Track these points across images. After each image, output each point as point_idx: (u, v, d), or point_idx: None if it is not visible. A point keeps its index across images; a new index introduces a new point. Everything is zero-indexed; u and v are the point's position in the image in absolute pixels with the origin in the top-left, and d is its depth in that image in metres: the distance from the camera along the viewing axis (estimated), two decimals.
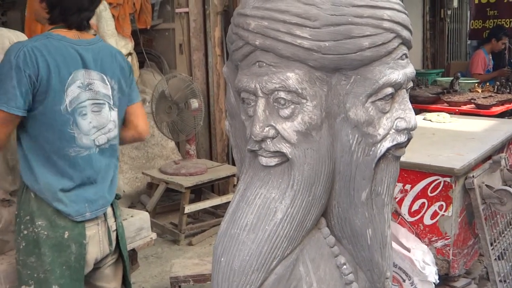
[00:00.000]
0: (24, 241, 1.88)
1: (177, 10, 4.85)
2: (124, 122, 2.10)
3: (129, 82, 2.05)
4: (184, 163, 4.19)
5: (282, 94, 1.09)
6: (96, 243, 1.99)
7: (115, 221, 2.07)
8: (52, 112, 1.80)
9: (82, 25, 1.92)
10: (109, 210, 2.03)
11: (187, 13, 4.78)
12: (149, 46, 5.21)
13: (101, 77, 1.92)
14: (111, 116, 1.96)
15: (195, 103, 4.10)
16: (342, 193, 1.18)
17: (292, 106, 1.10)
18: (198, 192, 4.41)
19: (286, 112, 1.10)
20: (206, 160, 4.56)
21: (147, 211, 3.46)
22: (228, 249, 1.16)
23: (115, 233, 2.07)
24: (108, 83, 1.93)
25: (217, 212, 4.37)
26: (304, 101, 1.10)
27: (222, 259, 1.16)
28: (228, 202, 4.11)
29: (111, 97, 1.95)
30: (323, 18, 1.06)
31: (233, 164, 4.65)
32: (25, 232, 1.88)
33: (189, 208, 3.96)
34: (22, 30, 3.16)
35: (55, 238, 1.87)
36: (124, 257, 2.13)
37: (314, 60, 1.08)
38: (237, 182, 4.29)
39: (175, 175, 4.06)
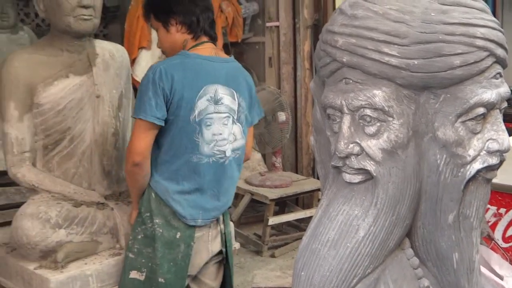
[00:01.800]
0: (142, 233, 2.12)
1: (268, 24, 4.92)
2: None
3: (253, 103, 2.23)
4: (269, 175, 4.23)
5: (368, 112, 1.08)
6: (204, 245, 2.19)
7: (224, 226, 2.26)
8: (182, 121, 2.02)
9: (214, 33, 2.16)
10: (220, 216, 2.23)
11: (277, 27, 4.84)
12: (239, 59, 5.30)
13: (231, 92, 2.10)
14: (234, 129, 2.13)
15: (282, 116, 4.13)
16: (428, 214, 1.15)
17: (378, 124, 1.09)
18: (282, 205, 4.43)
19: (371, 129, 1.09)
20: (292, 173, 4.58)
21: (231, 220, 3.52)
22: (308, 264, 1.16)
23: (223, 236, 2.26)
24: (236, 99, 2.12)
25: (301, 225, 4.36)
26: (391, 119, 1.09)
27: (302, 273, 1.17)
28: (312, 216, 4.11)
29: (236, 112, 2.12)
30: (413, 35, 1.05)
31: (318, 178, 4.62)
32: (144, 226, 2.12)
33: (273, 220, 3.99)
34: (122, 43, 3.34)
35: (168, 236, 2.09)
36: (230, 264, 2.26)
37: (402, 78, 1.06)
38: (321, 197, 4.27)
39: (260, 187, 4.11)
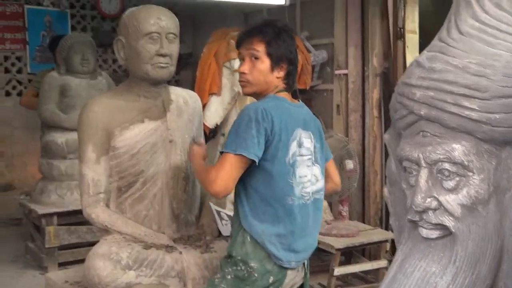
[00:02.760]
0: (233, 273, 2.12)
1: (337, 72, 4.94)
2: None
3: (323, 144, 2.29)
4: (335, 224, 4.17)
5: (446, 166, 1.06)
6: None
7: (307, 272, 2.30)
8: (279, 163, 2.07)
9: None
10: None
11: (346, 74, 4.86)
12: (307, 106, 5.34)
13: (309, 135, 2.16)
14: (314, 170, 2.18)
15: (350, 164, 4.09)
16: (511, 274, 1.10)
17: (457, 179, 1.06)
18: (348, 255, 4.33)
19: (450, 184, 1.07)
20: (358, 223, 4.49)
21: None
22: None
23: (306, 281, 2.31)
24: (312, 141, 2.18)
25: (367, 277, 4.24)
26: (470, 174, 1.06)
27: None
28: (379, 269, 4.01)
29: (313, 153, 2.18)
30: (494, 89, 1.03)
31: (386, 228, 4.51)
32: (235, 267, 2.12)
33: (338, 271, 3.90)
34: (192, 89, 3.44)
35: (261, 280, 2.10)
36: None
37: (482, 132, 1.04)
38: (389, 248, 4.16)
39: (326, 235, 4.04)
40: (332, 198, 4.20)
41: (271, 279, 2.11)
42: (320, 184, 2.23)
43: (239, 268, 2.12)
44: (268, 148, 2.05)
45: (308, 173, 2.15)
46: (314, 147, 2.19)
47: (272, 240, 2.10)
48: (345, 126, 4.88)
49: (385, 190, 1.35)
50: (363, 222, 4.66)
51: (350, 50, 4.80)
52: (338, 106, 4.95)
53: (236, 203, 2.20)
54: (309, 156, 2.16)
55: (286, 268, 2.15)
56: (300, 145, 2.12)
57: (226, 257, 2.19)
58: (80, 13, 6.67)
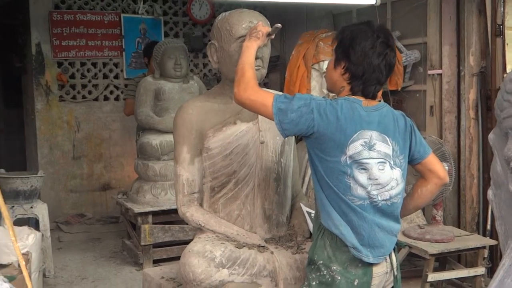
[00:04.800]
0: (318, 279, 2.11)
1: (430, 72, 4.79)
2: (422, 176, 2.26)
3: (414, 140, 2.19)
4: (429, 229, 4.03)
5: None
6: None
7: (396, 270, 2.21)
8: (332, 161, 2.03)
9: (375, 96, 2.14)
10: (393, 260, 2.18)
11: (440, 74, 4.69)
12: (399, 107, 5.22)
13: (383, 138, 2.08)
14: (394, 174, 2.09)
15: (445, 167, 3.94)
16: None
17: None
18: (442, 261, 4.18)
19: None
20: (453, 228, 4.32)
21: None
22: None
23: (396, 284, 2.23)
24: (390, 144, 2.09)
25: (463, 284, 4.07)
26: None
27: None
28: (476, 276, 3.83)
29: (392, 157, 2.09)
30: None
31: (484, 234, 4.31)
32: (319, 273, 2.10)
33: (432, 277, 3.77)
34: (281, 91, 3.46)
35: (346, 284, 2.06)
36: None
37: None
38: (487, 255, 3.96)
39: (419, 240, 3.92)
40: (437, 198, 4.03)
41: (356, 282, 2.07)
42: (400, 187, 2.13)
43: (322, 273, 2.09)
44: (320, 144, 2.04)
45: (382, 177, 2.06)
46: (392, 150, 2.09)
47: (348, 232, 2.05)
48: (439, 127, 4.72)
49: (490, 192, 1.28)
50: (459, 227, 4.48)
51: (444, 49, 4.64)
52: (431, 107, 4.79)
53: (315, 202, 2.20)
54: (381, 160, 2.06)
55: (369, 266, 2.08)
56: (369, 147, 2.04)
57: (309, 263, 2.17)
58: (173, 20, 6.90)
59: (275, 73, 7.04)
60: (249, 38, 2.36)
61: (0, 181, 4.31)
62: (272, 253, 2.45)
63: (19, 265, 3.18)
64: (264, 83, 6.82)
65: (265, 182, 2.58)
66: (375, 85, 2.12)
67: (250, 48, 2.31)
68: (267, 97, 2.09)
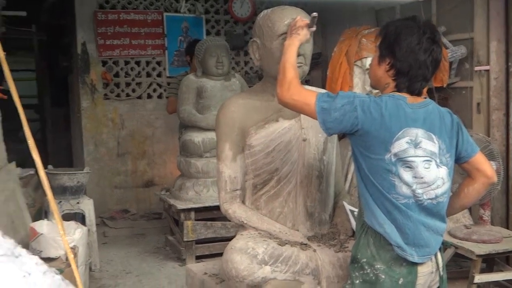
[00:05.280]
0: (361, 277, 2.09)
1: (477, 68, 4.67)
2: (469, 175, 2.21)
3: (461, 138, 2.14)
4: (476, 229, 3.93)
5: None
6: None
7: (442, 270, 2.16)
8: (376, 159, 2.01)
9: (420, 93, 2.10)
10: (439, 260, 2.14)
11: (487, 71, 4.57)
12: (444, 105, 5.11)
13: (429, 136, 2.04)
14: (440, 173, 2.05)
15: (493, 166, 3.83)
16: None
17: None
18: (490, 262, 4.06)
19: None
20: (502, 228, 4.20)
21: None
22: None
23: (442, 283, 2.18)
24: (436, 142, 2.05)
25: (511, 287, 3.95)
26: None
27: None
28: None
29: (438, 155, 2.05)
30: None
31: None
32: (362, 271, 2.08)
33: (479, 278, 3.68)
34: (323, 88, 3.44)
35: (390, 282, 2.03)
36: None
37: None
38: None
39: (465, 240, 3.83)
40: (485, 198, 3.92)
41: (400, 281, 2.03)
42: (447, 186, 2.09)
43: (365, 271, 2.07)
44: (364, 142, 2.02)
45: (428, 175, 2.02)
46: (439, 148, 2.05)
47: (392, 231, 2.02)
48: (486, 125, 4.59)
49: None
50: (507, 228, 4.36)
51: (492, 44, 4.51)
52: (478, 104, 4.67)
53: (358, 200, 2.18)
54: (427, 158, 2.02)
55: (414, 265, 2.04)
56: (415, 145, 2.00)
57: (352, 261, 2.14)
58: (214, 18, 6.94)
59: (317, 71, 6.99)
60: (289, 36, 2.35)
61: (48, 177, 4.43)
62: (314, 251, 2.43)
63: (66, 259, 3.26)
64: (306, 81, 6.78)
65: (308, 180, 2.56)
66: (421, 82, 2.08)
67: (292, 46, 2.30)
68: (310, 96, 2.08)
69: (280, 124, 2.55)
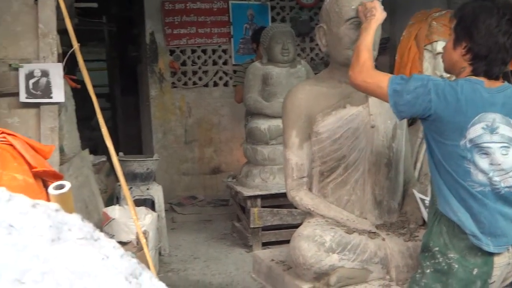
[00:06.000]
0: (432, 267, 2.03)
1: None
2: None
3: None
4: None
5: None
6: (498, 282, 2.04)
7: None
8: (451, 145, 1.95)
9: (498, 77, 2.02)
10: None
11: None
12: None
13: (508, 121, 1.96)
14: None
15: None
16: None
17: None
18: None
19: None
20: None
21: None
22: None
23: None
24: None
25: None
26: None
27: None
28: None
29: None
30: None
31: None
32: (434, 261, 2.03)
33: None
34: (391, 73, 3.36)
35: (464, 272, 1.97)
36: None
37: None
38: None
39: None
40: None
41: (475, 271, 1.96)
42: None
43: (437, 260, 2.01)
44: (437, 127, 1.95)
45: (504, 161, 1.93)
46: None
47: (467, 219, 1.95)
48: None
49: None
50: None
51: None
52: None
53: (431, 187, 2.12)
54: (505, 144, 1.94)
55: (490, 256, 1.96)
56: (491, 131, 1.92)
57: (423, 250, 2.08)
58: (280, 5, 6.91)
59: (385, 56, 6.83)
60: (365, 20, 2.30)
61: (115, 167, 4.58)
62: (383, 239, 2.40)
63: (137, 243, 3.37)
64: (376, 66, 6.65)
65: (376, 167, 2.52)
66: (499, 66, 1.99)
67: (369, 29, 2.26)
68: (382, 79, 2.04)
69: (348, 110, 2.51)
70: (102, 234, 0.74)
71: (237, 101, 5.83)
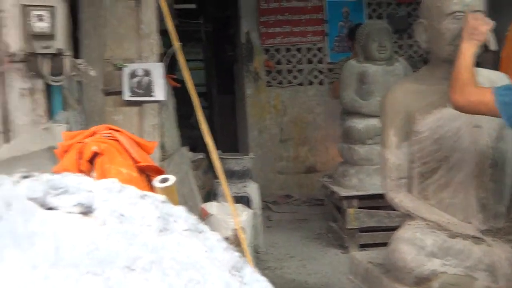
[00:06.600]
0: None
1: None
2: None
3: None
4: None
5: None
6: None
7: None
8: None
9: None
10: None
11: None
12: None
13: None
14: None
15: None
16: None
17: None
18: None
19: None
20: None
21: None
22: None
23: None
24: None
25: None
26: None
27: None
28: None
29: None
30: None
31: None
32: None
33: None
34: (495, 69, 3.21)
35: None
36: None
37: None
38: None
39: None
40: None
41: None
42: None
43: None
44: None
45: None
46: None
47: None
48: None
49: None
50: None
51: None
52: None
53: None
54: None
55: None
56: None
57: None
58: (376, 1, 6.76)
59: (488, 52, 6.49)
60: (468, 39, 2.19)
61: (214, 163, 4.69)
62: (489, 245, 2.27)
63: (234, 240, 3.42)
64: (477, 62, 6.34)
65: (480, 169, 2.41)
66: None
67: (469, 51, 2.16)
68: (485, 93, 1.95)
69: (449, 109, 2.41)
70: (206, 227, 0.75)
71: (334, 97, 5.77)
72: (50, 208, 0.70)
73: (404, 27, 6.64)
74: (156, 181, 1.70)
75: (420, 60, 6.58)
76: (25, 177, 0.73)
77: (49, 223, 0.67)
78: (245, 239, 3.64)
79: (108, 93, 3.82)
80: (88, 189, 0.72)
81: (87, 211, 0.70)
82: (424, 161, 2.46)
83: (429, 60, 2.60)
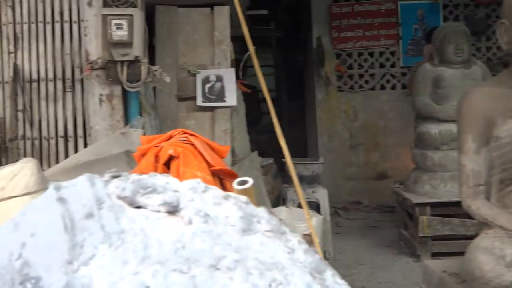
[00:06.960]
0: None
1: None
2: None
3: None
4: None
5: None
6: None
7: None
8: None
9: None
10: None
11: None
12: None
13: None
14: None
15: None
16: None
17: None
18: None
19: None
20: None
21: None
22: None
23: None
24: None
25: None
26: None
27: None
28: None
29: None
30: None
31: None
32: None
33: None
34: None
35: None
36: None
37: None
38: None
39: None
40: None
41: None
42: None
43: None
44: None
45: None
46: None
47: None
48: None
49: None
50: None
51: None
52: None
53: None
54: None
55: None
56: None
57: None
58: (453, 3, 6.58)
59: None
60: None
61: (286, 166, 4.70)
62: None
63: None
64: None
65: None
66: None
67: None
68: None
69: None
70: (287, 229, 0.76)
71: (411, 91, 5.62)
72: (138, 207, 0.74)
73: (482, 29, 6.41)
74: (235, 184, 1.74)
75: (498, 63, 6.33)
76: (115, 176, 0.77)
77: (137, 221, 0.70)
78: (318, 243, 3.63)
79: (181, 99, 3.93)
80: (175, 189, 0.75)
81: (173, 210, 0.73)
82: (505, 167, 2.38)
83: (510, 62, 2.49)
